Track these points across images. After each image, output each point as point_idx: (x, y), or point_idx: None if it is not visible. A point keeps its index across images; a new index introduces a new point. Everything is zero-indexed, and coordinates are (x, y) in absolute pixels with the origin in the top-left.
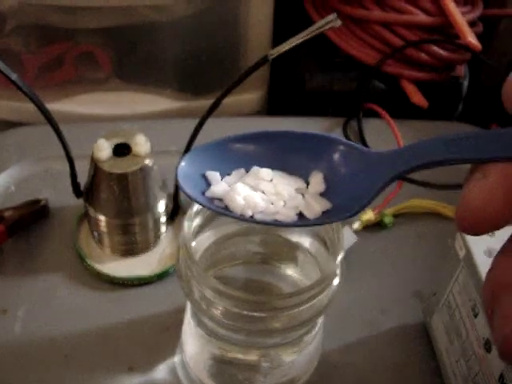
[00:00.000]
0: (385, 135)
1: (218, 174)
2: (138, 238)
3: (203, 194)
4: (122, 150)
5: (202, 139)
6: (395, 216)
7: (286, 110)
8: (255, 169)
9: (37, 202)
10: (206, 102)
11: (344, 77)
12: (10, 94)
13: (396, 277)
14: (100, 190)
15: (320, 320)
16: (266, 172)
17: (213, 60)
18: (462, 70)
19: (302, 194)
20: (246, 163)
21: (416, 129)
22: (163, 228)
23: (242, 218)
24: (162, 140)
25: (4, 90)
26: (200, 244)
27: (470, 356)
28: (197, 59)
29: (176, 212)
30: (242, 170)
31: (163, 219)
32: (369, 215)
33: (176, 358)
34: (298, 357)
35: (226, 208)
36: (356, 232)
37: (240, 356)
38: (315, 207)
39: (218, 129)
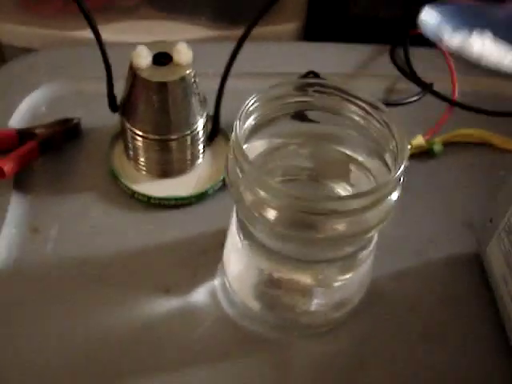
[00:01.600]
0: (435, 64)
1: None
2: (175, 157)
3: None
4: (162, 60)
5: (239, 62)
6: (445, 145)
7: (327, 40)
8: (479, 30)
9: (69, 120)
10: (242, 31)
11: (390, 1)
12: (36, 20)
13: (446, 206)
14: (138, 101)
15: (374, 238)
16: (489, 34)
17: None
18: None
19: None
20: (471, 25)
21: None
22: (201, 150)
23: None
24: (199, 62)
25: (29, 16)
26: (248, 153)
27: None
28: None
29: (215, 134)
30: (466, 31)
31: (202, 140)
32: (419, 140)
33: (216, 281)
34: (350, 278)
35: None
36: None
37: (289, 274)
38: None
39: (255, 54)
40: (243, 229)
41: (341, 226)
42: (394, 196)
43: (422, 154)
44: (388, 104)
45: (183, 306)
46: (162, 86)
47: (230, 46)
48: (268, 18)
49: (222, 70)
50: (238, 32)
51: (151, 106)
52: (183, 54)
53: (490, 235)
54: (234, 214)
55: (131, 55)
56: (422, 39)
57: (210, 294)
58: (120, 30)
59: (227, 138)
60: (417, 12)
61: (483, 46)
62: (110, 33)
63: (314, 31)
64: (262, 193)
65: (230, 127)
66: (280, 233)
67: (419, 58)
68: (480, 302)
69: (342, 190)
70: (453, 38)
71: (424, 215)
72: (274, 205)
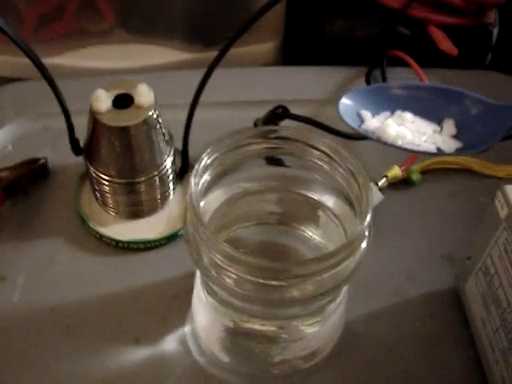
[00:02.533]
0: None
1: (369, 113)
2: (144, 199)
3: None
4: (123, 102)
5: (212, 91)
6: (423, 173)
7: (303, 61)
8: (399, 112)
9: (35, 161)
10: (216, 54)
11: (366, 22)
12: (4, 47)
13: (425, 239)
14: (100, 145)
15: (344, 288)
16: (409, 115)
17: (224, 8)
18: (492, 16)
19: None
20: (391, 108)
21: (445, 78)
22: (171, 187)
23: (398, 147)
24: (168, 93)
25: None
26: (209, 204)
27: (511, 328)
28: (207, 7)
29: (185, 170)
30: (388, 113)
31: (171, 178)
32: (395, 171)
33: (186, 329)
34: (320, 328)
35: (379, 139)
36: (382, 190)
37: (256, 328)
38: (451, 144)
39: (227, 81)
40: (206, 285)
41: (308, 287)
42: (363, 245)
43: (400, 184)
44: (363, 137)
45: (153, 356)
46: (124, 131)
47: (200, 74)
48: (244, 37)
49: (190, 100)
50: (214, 53)
51: (114, 150)
52: (144, 95)
53: (468, 273)
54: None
55: (90, 99)
56: (399, 60)
57: (180, 342)
58: (93, 55)
59: None
60: (394, 32)
61: (399, 128)
62: (82, 58)
63: (291, 51)
64: (219, 258)
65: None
66: (242, 295)
67: (397, 79)
68: (459, 341)
69: (313, 233)
70: (371, 122)
71: (401, 250)
72: (232, 270)
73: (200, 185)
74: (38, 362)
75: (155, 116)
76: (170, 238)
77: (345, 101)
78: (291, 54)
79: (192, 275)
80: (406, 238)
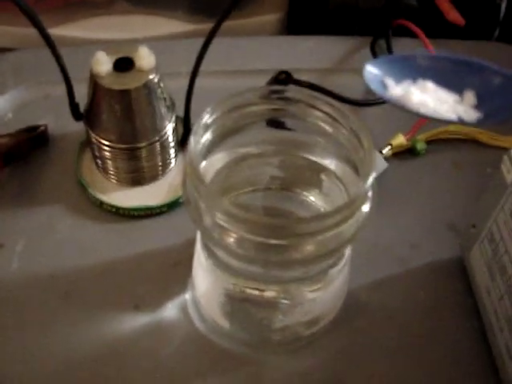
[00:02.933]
0: None
1: (392, 80)
2: (145, 165)
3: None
4: (123, 65)
5: (215, 60)
6: (428, 142)
7: (308, 32)
8: (421, 81)
9: (35, 128)
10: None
11: None
12: (4, 17)
13: (429, 208)
14: (101, 110)
15: (347, 252)
16: (430, 84)
17: None
18: None
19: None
20: (413, 76)
21: (452, 49)
22: (172, 154)
23: (421, 115)
24: (171, 61)
25: None
26: (210, 166)
27: None
28: None
29: (187, 137)
30: (410, 81)
31: (172, 145)
32: (400, 140)
33: (187, 296)
34: (322, 294)
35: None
36: (386, 159)
37: (256, 292)
38: (471, 113)
39: (229, 50)
40: (206, 248)
41: (309, 247)
42: (365, 208)
43: (404, 153)
44: (367, 103)
45: (153, 323)
46: (125, 94)
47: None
48: (248, 9)
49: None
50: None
51: (114, 114)
52: (145, 58)
53: (472, 241)
54: (198, 232)
55: (91, 62)
56: (405, 30)
57: (180, 309)
58: (94, 26)
59: None
60: (399, 1)
61: (422, 96)
62: (84, 29)
63: (296, 22)
64: (221, 217)
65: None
66: (243, 255)
67: (402, 49)
68: (463, 310)
69: (316, 198)
70: (395, 90)
71: (406, 219)
72: (234, 229)
73: (201, 144)
74: (36, 327)
75: (156, 80)
76: (172, 205)
77: (370, 68)
78: (296, 25)
79: (193, 243)
80: (410, 206)
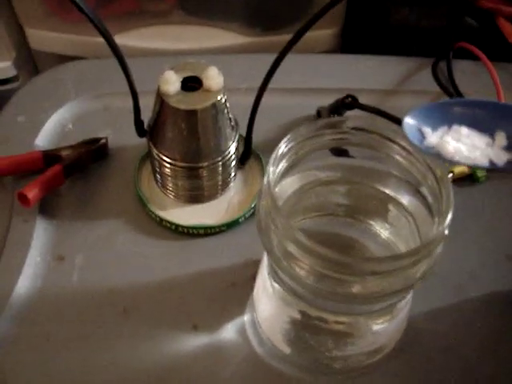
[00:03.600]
0: (478, 79)
1: (429, 129)
2: (206, 184)
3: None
4: (191, 85)
5: (274, 77)
6: (489, 170)
7: (363, 49)
8: (456, 127)
9: (96, 140)
10: (275, 38)
11: (433, 11)
12: (67, 26)
13: (489, 238)
14: (166, 128)
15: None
16: (464, 129)
17: None
18: None
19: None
20: (448, 122)
21: None
22: (233, 173)
23: (456, 162)
24: (230, 76)
25: (59, 23)
26: (281, 192)
27: None
28: None
29: (247, 156)
30: (445, 128)
31: (233, 164)
32: (461, 167)
33: (246, 317)
34: (388, 325)
35: (439, 155)
36: None
37: (323, 322)
38: (502, 156)
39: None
40: (274, 275)
41: (379, 285)
42: (439, 249)
43: (465, 180)
44: None
45: (211, 344)
46: (192, 114)
47: (263, 58)
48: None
49: (255, 84)
50: (272, 38)
51: (180, 133)
52: (214, 79)
53: None
54: (265, 257)
55: (158, 80)
56: (466, 52)
57: (239, 331)
58: (151, 36)
59: (259, 160)
60: (461, 22)
61: (456, 143)
62: (140, 38)
63: (351, 39)
64: (293, 247)
65: (262, 147)
66: (309, 286)
67: (463, 72)
68: None
69: (380, 227)
70: (432, 138)
71: (465, 248)
72: (304, 260)
73: (276, 173)
74: (95, 342)
75: (223, 100)
76: (231, 225)
77: (408, 120)
78: (351, 41)
79: (252, 263)
80: (470, 236)
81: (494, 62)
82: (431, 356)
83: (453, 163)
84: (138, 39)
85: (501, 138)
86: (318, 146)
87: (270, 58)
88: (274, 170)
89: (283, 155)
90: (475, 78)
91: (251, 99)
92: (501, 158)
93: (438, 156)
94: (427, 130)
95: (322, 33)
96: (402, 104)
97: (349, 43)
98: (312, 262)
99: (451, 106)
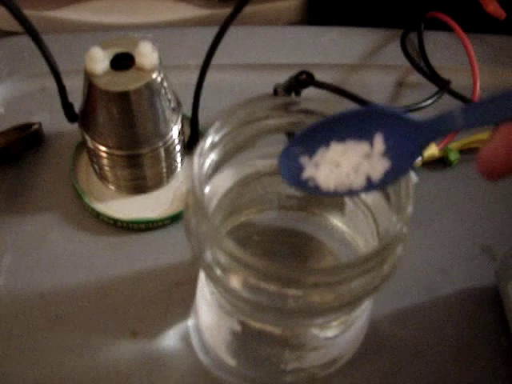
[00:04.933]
0: (452, 51)
1: (307, 157)
2: (148, 173)
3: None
4: (122, 63)
5: (227, 52)
6: (462, 152)
7: (330, 21)
8: (334, 144)
9: (28, 126)
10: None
11: None
12: None
13: (462, 227)
14: (97, 113)
15: None
16: (339, 147)
17: None
18: None
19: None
20: (326, 141)
21: (490, 44)
22: (178, 160)
23: (328, 194)
24: (178, 52)
25: None
26: (218, 185)
27: None
28: None
29: (194, 140)
30: (324, 148)
31: (178, 149)
32: (432, 149)
33: (190, 323)
34: (343, 335)
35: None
36: (416, 170)
37: (267, 333)
38: (380, 167)
39: (244, 40)
40: (210, 284)
41: (329, 297)
42: (400, 249)
43: (436, 164)
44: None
45: (152, 352)
46: (124, 96)
47: (215, 32)
48: None
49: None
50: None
51: (112, 118)
52: (147, 56)
53: (510, 270)
54: None
55: (84, 58)
56: (439, 22)
57: (182, 338)
58: (100, 8)
59: None
60: None
61: (330, 170)
62: (92, 11)
63: (317, 10)
64: (223, 257)
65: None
66: (248, 301)
67: (435, 44)
68: (496, 347)
69: (337, 221)
70: (309, 169)
71: (435, 239)
72: (239, 273)
73: (206, 166)
74: (24, 353)
75: (159, 79)
76: (175, 218)
77: (284, 153)
78: (317, 12)
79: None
80: (441, 225)
81: (469, 33)
82: (397, 365)
83: (331, 196)
84: (89, 12)
85: (379, 142)
86: (259, 132)
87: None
88: (201, 162)
89: (214, 145)
90: (448, 50)
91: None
92: (378, 170)
93: (316, 191)
94: (305, 159)
95: (286, 3)
96: (367, 80)
97: (316, 14)
98: (246, 274)
99: (324, 124)
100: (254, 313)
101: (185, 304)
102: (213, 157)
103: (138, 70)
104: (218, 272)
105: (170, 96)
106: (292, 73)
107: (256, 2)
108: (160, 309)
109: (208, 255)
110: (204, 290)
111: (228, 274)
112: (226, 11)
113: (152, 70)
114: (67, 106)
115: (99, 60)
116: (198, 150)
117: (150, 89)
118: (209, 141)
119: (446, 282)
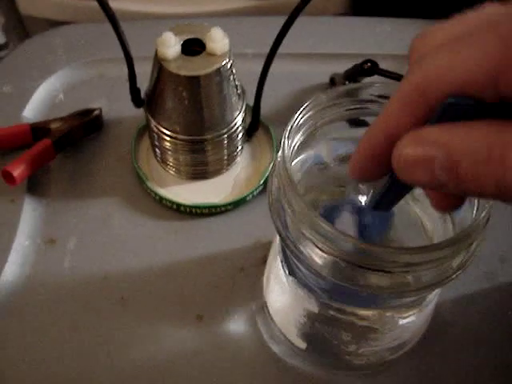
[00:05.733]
0: None
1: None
2: (210, 159)
3: None
4: (193, 48)
5: (284, 41)
6: None
7: (377, 11)
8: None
9: (89, 111)
10: (281, 2)
11: None
12: None
13: None
14: (165, 97)
15: None
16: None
17: None
18: None
19: None
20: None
21: None
22: (239, 147)
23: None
24: (235, 41)
25: None
26: (295, 169)
27: None
28: None
29: (255, 127)
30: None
31: (240, 136)
32: None
33: (255, 307)
34: (416, 319)
35: None
36: None
37: (344, 317)
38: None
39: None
40: (288, 263)
41: (407, 278)
42: (481, 237)
43: None
44: None
45: (218, 336)
46: (194, 81)
47: (271, 21)
48: None
49: (261, 49)
50: (277, 2)
51: (181, 103)
52: (218, 41)
53: None
54: (278, 242)
55: (156, 43)
56: None
57: (248, 322)
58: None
59: (268, 131)
60: None
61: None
62: (137, 2)
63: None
64: (311, 233)
65: (271, 118)
66: (329, 279)
67: None
68: None
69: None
70: None
71: (494, 229)
72: (326, 249)
73: (292, 147)
74: (90, 334)
75: (229, 66)
76: (238, 204)
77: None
78: (362, 3)
79: (262, 246)
80: (499, 215)
81: None
82: (457, 349)
83: None
84: (134, 3)
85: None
86: (337, 116)
87: (278, 21)
88: (289, 143)
89: (299, 126)
90: None
91: (258, 65)
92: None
93: None
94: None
95: None
96: None
97: (360, 5)
98: (333, 251)
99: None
100: (334, 292)
101: (249, 289)
102: (297, 138)
103: (209, 56)
104: (302, 250)
105: (237, 83)
106: (345, 62)
107: None
108: (224, 293)
109: (294, 232)
110: (278, 273)
111: (313, 250)
112: (271, 2)
113: (223, 56)
114: (135, 92)
115: (171, 45)
116: (285, 132)
117: (220, 74)
118: (296, 122)
119: (505, 269)
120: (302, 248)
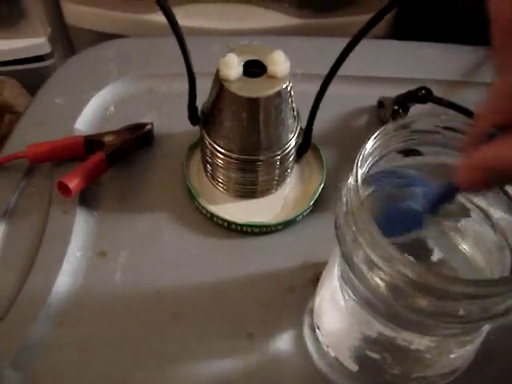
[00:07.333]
0: None
1: None
2: (260, 179)
3: None
4: (253, 70)
5: (329, 62)
6: None
7: (418, 35)
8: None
9: (141, 126)
10: (326, 21)
11: None
12: (105, 1)
13: None
14: (224, 116)
15: None
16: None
17: None
18: None
19: None
20: None
21: None
22: (290, 168)
23: None
24: None
25: None
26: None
27: None
28: None
29: (305, 148)
30: None
31: (291, 158)
32: None
33: (305, 327)
34: (469, 347)
35: None
36: None
37: (402, 343)
38: None
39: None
40: (349, 287)
41: (478, 307)
42: None
43: None
44: None
45: (268, 354)
46: (254, 102)
47: (319, 42)
48: (354, 7)
49: (310, 70)
50: (323, 21)
51: (239, 123)
52: (280, 64)
53: None
54: (337, 266)
55: (218, 64)
56: None
57: (297, 341)
58: (194, 14)
59: (317, 152)
60: None
61: None
62: (183, 16)
63: (404, 24)
64: (381, 261)
65: (320, 139)
66: (393, 306)
67: None
68: None
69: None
70: None
71: None
72: (391, 275)
73: (363, 175)
74: (141, 348)
75: (289, 88)
76: (287, 224)
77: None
78: (404, 26)
79: (311, 266)
80: None
81: None
82: (505, 374)
83: None
84: (180, 17)
85: None
86: (400, 146)
87: (327, 42)
88: (361, 172)
89: (369, 154)
90: None
91: (306, 85)
92: None
93: None
94: None
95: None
96: (469, 97)
97: (402, 29)
98: (399, 278)
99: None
100: (393, 316)
101: (299, 308)
102: (366, 166)
103: (270, 78)
104: (367, 273)
105: (294, 105)
106: (394, 86)
107: (352, 14)
108: (274, 312)
109: (362, 259)
110: (336, 297)
111: (378, 275)
112: (317, 21)
113: (284, 79)
114: (193, 110)
115: (234, 66)
116: (357, 161)
117: (280, 97)
118: (366, 151)
119: None
120: (365, 272)
